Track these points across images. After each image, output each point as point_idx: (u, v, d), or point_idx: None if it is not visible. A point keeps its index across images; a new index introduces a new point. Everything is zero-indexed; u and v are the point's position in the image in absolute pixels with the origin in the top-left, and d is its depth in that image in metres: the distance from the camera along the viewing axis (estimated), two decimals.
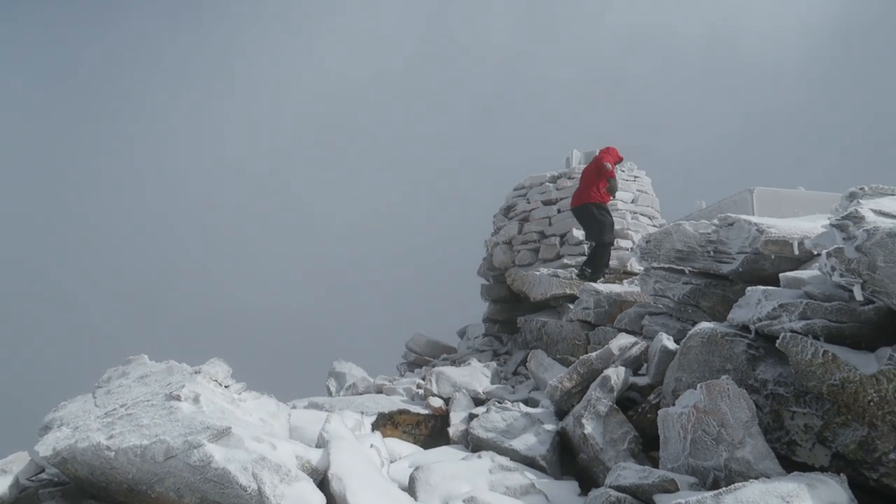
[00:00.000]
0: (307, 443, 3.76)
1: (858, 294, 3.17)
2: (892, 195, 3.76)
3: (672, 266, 5.30)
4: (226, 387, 4.08)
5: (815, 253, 3.92)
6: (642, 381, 4.62)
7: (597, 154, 8.50)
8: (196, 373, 4.00)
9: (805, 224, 4.62)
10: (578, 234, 8.79)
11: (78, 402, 4.12)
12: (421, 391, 6.31)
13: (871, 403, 2.92)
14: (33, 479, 3.71)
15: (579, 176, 8.66)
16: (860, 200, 3.60)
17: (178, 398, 3.51)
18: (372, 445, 4.03)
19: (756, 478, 2.85)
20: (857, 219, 3.26)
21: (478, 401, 5.75)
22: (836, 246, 3.27)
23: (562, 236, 9.06)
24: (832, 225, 3.40)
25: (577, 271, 8.05)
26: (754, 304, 3.78)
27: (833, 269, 3.24)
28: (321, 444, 3.60)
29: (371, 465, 3.63)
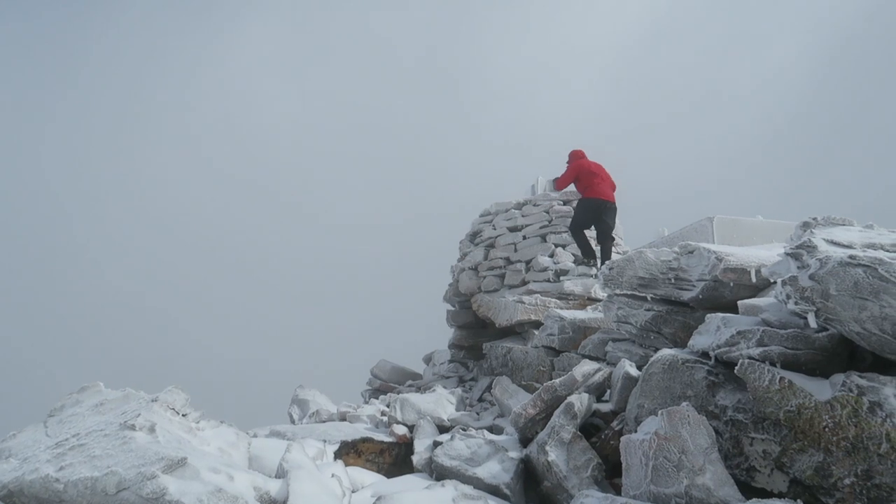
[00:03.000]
0: (267, 473, 3.68)
1: (812, 322, 3.24)
2: (843, 225, 3.88)
3: (635, 293, 5.37)
4: (183, 415, 3.98)
5: (772, 281, 4.01)
6: (606, 407, 4.64)
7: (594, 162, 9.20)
8: (153, 401, 3.89)
9: (762, 252, 4.73)
10: (543, 260, 8.86)
11: (28, 432, 3.97)
12: (385, 418, 6.24)
13: (826, 429, 2.97)
14: None
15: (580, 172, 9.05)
16: (813, 230, 3.71)
17: (132, 427, 3.41)
18: (333, 475, 3.96)
19: None
20: (811, 248, 3.35)
21: (442, 428, 5.71)
22: (790, 274, 3.35)
23: (527, 262, 9.12)
24: (787, 254, 3.48)
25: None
26: (714, 331, 3.84)
27: (788, 296, 3.32)
28: (281, 474, 3.53)
29: (332, 495, 3.56)
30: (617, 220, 9.79)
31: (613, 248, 9.18)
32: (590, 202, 8.84)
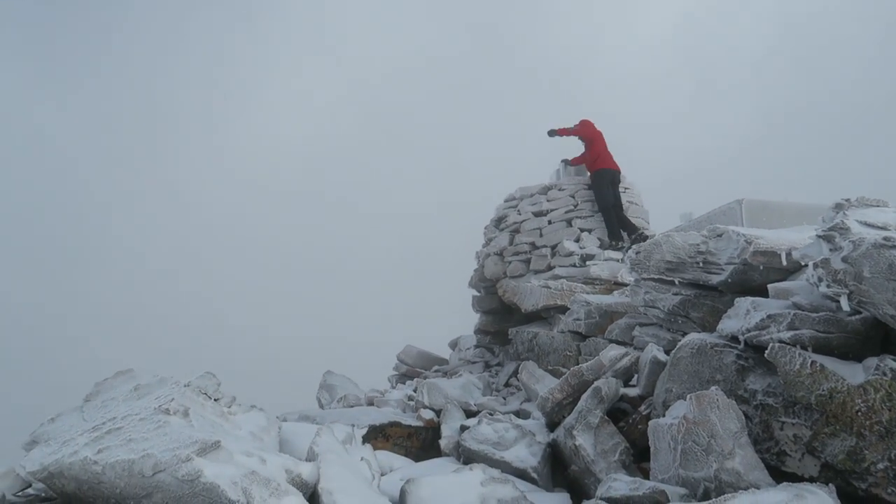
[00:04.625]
0: (298, 456, 3.74)
1: (845, 305, 3.19)
2: (878, 206, 3.79)
3: (662, 277, 5.32)
4: (216, 400, 4.05)
5: (803, 264, 3.95)
6: (633, 391, 4.63)
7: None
8: (186, 386, 3.97)
9: (792, 235, 4.66)
10: (569, 245, 8.81)
11: (66, 417, 4.08)
12: (412, 403, 6.30)
13: (859, 413, 2.93)
14: (19, 494, 3.67)
15: (591, 139, 9.47)
16: (846, 212, 3.64)
17: (167, 411, 3.48)
18: (362, 458, 4.02)
19: (746, 488, 2.86)
20: (843, 230, 3.29)
21: (469, 412, 5.74)
22: (822, 257, 3.29)
23: (553, 247, 9.08)
24: (818, 236, 3.43)
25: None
26: (743, 315, 3.80)
27: (820, 279, 3.27)
28: (311, 457, 3.59)
29: (361, 478, 3.61)
30: (638, 202, 9.79)
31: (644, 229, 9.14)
32: (606, 173, 9.14)
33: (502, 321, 9.82)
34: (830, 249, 3.29)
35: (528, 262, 9.30)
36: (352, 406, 6.90)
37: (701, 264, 4.95)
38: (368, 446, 4.59)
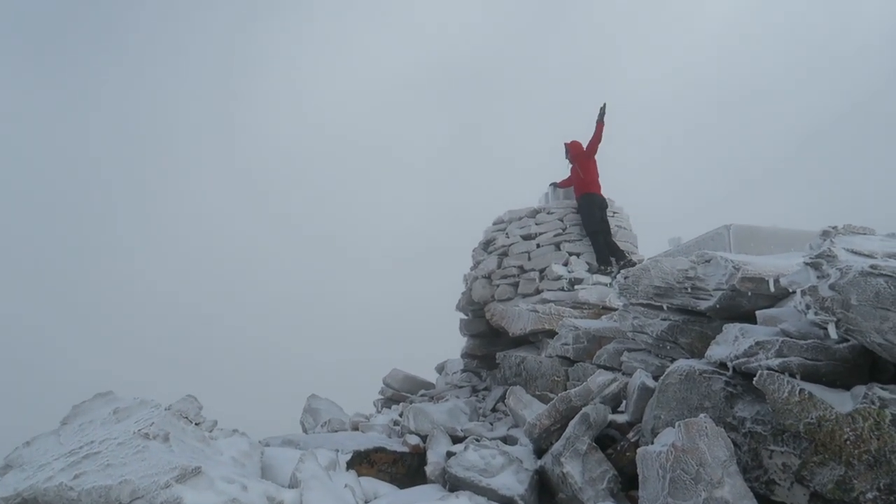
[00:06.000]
0: (281, 482, 3.67)
1: (833, 332, 3.19)
2: (864, 234, 3.82)
3: (650, 302, 5.32)
4: (197, 424, 3.98)
5: (791, 291, 3.96)
6: (621, 418, 4.59)
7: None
8: (167, 409, 3.90)
9: (780, 261, 4.67)
10: (557, 269, 8.81)
11: (41, 440, 3.99)
12: (398, 428, 6.22)
13: (848, 442, 2.92)
14: None
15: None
16: (833, 239, 3.66)
17: (146, 436, 3.41)
18: (346, 485, 3.94)
19: None
20: (831, 257, 3.30)
21: (456, 438, 5.67)
22: (810, 284, 3.30)
23: (541, 271, 9.07)
24: (806, 263, 3.44)
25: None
26: (731, 342, 3.79)
27: (808, 307, 3.27)
28: (294, 484, 3.52)
29: None
30: (626, 227, 9.83)
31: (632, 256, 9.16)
32: (595, 198, 9.16)
33: (490, 345, 9.76)
34: (818, 277, 3.30)
35: (516, 285, 9.28)
36: (336, 431, 6.80)
37: (689, 290, 4.95)
38: (353, 473, 4.51)
